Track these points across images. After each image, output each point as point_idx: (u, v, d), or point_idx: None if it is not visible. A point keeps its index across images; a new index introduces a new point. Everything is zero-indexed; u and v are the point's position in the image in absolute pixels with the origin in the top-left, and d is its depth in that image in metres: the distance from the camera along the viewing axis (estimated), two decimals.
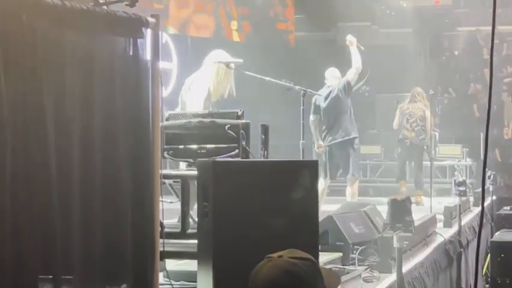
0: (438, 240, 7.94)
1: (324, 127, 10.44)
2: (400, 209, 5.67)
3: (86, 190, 4.07)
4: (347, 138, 10.34)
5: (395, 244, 5.47)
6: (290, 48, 18.23)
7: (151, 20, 4.16)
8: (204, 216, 4.58)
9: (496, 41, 18.68)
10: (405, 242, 5.63)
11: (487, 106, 3.15)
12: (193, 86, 7.39)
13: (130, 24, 4.05)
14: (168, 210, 5.79)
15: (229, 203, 4.46)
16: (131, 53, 4.09)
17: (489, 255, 9.03)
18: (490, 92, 4.09)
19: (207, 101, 7.19)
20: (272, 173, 4.60)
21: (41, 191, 3.74)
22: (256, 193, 4.50)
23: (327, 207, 9.57)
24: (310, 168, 4.70)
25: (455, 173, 13.86)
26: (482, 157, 15.08)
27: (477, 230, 10.32)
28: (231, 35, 16.94)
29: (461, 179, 8.95)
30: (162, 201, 5.23)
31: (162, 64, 14.14)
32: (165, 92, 12.46)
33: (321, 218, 5.82)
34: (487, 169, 14.45)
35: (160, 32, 13.56)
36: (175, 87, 12.79)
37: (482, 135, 15.22)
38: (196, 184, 5.19)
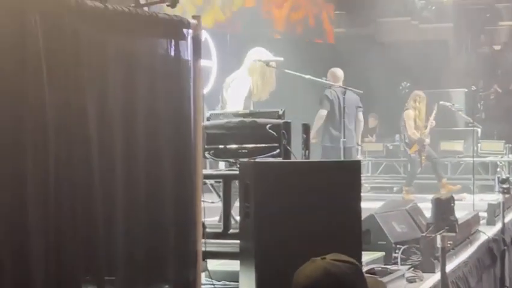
0: (482, 238, 7.84)
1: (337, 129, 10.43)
2: (444, 208, 5.60)
3: (129, 191, 4.09)
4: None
5: (439, 244, 5.41)
6: (329, 44, 18.19)
7: (192, 21, 4.16)
8: (246, 216, 4.56)
9: None
10: (448, 242, 5.56)
11: None
12: (233, 84, 7.39)
13: (171, 25, 4.06)
14: (209, 209, 5.81)
15: (270, 204, 4.43)
16: (172, 55, 4.09)
17: None
18: None
19: (247, 100, 7.19)
20: (314, 173, 4.56)
21: (84, 191, 3.76)
22: (298, 193, 4.47)
23: (371, 204, 9.54)
24: (352, 169, 4.66)
25: (498, 169, 13.71)
26: None
27: None
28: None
29: (504, 176, 8.82)
30: (204, 201, 5.24)
31: (202, 62, 14.12)
32: (205, 89, 12.49)
33: (362, 216, 5.78)
34: None
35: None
36: (214, 85, 12.81)
37: None
38: (237, 183, 5.19)
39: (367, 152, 15.02)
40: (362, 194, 4.74)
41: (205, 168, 6.39)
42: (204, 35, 14.32)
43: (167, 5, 4.61)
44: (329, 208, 4.53)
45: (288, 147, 5.45)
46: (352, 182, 4.62)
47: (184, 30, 4.12)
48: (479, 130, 13.90)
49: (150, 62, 4.01)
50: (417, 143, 12.62)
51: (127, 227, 4.10)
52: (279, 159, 5.56)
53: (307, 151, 5.62)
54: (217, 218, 6.00)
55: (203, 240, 4.84)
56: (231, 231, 5.39)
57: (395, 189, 14.31)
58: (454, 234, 5.54)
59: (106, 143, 3.88)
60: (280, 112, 5.67)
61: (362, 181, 14.29)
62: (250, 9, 15.97)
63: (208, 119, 5.84)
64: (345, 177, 4.61)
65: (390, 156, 14.86)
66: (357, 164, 4.73)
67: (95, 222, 3.85)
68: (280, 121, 5.57)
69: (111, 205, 3.97)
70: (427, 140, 12.72)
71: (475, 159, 11.61)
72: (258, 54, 7.38)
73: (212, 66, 14.14)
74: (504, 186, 8.76)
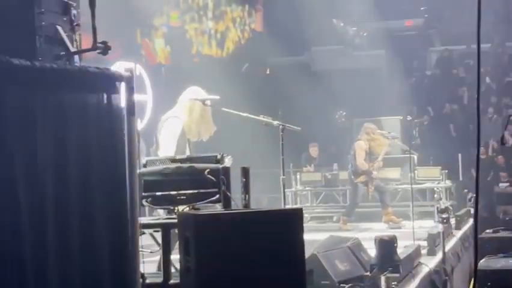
0: (424, 271, 7.82)
1: None
2: (387, 249, 5.56)
3: (63, 244, 3.97)
4: None
5: (383, 285, 5.36)
6: (264, 75, 18.20)
7: (124, 74, 4.03)
8: (186, 270, 4.43)
9: (469, 61, 18.73)
10: (393, 283, 5.53)
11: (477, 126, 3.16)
12: (166, 125, 7.21)
13: (102, 79, 3.92)
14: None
15: (212, 256, 4.30)
16: (105, 108, 3.96)
17: (473, 282, 8.95)
18: (478, 112, 4.04)
19: (181, 140, 6.99)
20: (256, 223, 4.46)
21: (14, 248, 3.62)
22: (241, 244, 4.36)
23: (311, 235, 9.50)
24: (294, 216, 4.57)
25: (435, 195, 13.80)
26: (461, 178, 15.05)
27: (461, 256, 10.26)
28: None
29: (443, 206, 8.86)
30: (142, 251, 5.08)
31: (137, 97, 13.85)
32: (141, 124, 12.27)
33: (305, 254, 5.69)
34: (466, 190, 14.47)
35: (134, 64, 13.24)
36: (151, 119, 12.63)
37: (460, 156, 15.21)
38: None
39: (306, 181, 14.97)
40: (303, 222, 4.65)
41: (145, 215, 6.24)
42: (138, 69, 14.19)
43: (99, 53, 4.47)
44: (272, 256, 4.43)
45: (228, 193, 5.34)
46: (294, 229, 4.53)
47: (117, 83, 3.99)
48: (415, 157, 13.98)
49: (81, 116, 3.88)
50: (365, 174, 12.64)
51: (61, 283, 3.95)
52: (219, 205, 5.45)
53: (247, 195, 5.51)
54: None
55: None
56: (172, 281, 5.23)
57: (334, 218, 14.27)
58: (397, 275, 5.50)
59: (36, 197, 3.74)
60: (219, 156, 5.56)
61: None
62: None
63: (144, 166, 5.68)
64: (287, 224, 4.51)
65: (329, 185, 14.82)
66: (299, 211, 4.64)
67: (29, 276, 3.70)
68: (219, 166, 5.46)
69: (45, 258, 3.84)
70: (375, 173, 12.76)
71: (412, 186, 11.64)
72: (194, 93, 7.23)
73: (147, 100, 13.93)
74: (443, 215, 8.80)
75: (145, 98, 14.65)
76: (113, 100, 3.97)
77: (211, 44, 16.22)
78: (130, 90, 4.08)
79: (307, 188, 14.96)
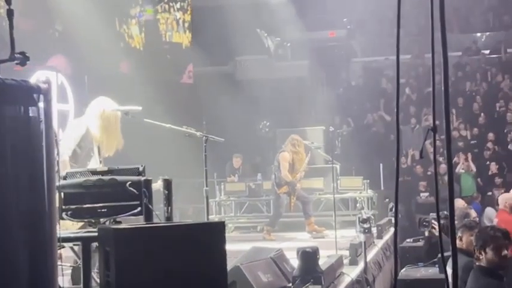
0: (346, 281, 7.89)
1: None
2: (310, 260, 5.59)
3: None
4: None
5: None
6: (187, 84, 18.14)
7: (43, 86, 3.94)
8: (107, 285, 4.35)
9: (389, 72, 19.04)
10: None
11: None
12: (67, 128, 7.02)
13: (19, 91, 3.83)
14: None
15: (133, 271, 4.25)
16: (22, 120, 3.86)
17: None
18: (397, 123, 4.09)
19: (85, 142, 6.76)
20: (178, 236, 4.43)
21: None
22: (162, 258, 4.31)
23: (235, 246, 9.50)
24: (216, 229, 4.55)
25: (358, 204, 13.99)
26: (382, 187, 15.29)
27: (382, 265, 10.40)
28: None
29: (365, 216, 8.94)
30: (62, 265, 4.98)
31: (58, 106, 13.50)
32: (62, 135, 12.09)
33: (228, 267, 5.67)
34: (387, 200, 14.69)
35: (56, 73, 12.94)
36: None
37: (381, 166, 15.46)
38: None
39: (230, 191, 14.97)
40: (225, 235, 4.63)
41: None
42: (60, 79, 13.98)
43: (17, 63, 4.37)
44: (194, 270, 4.40)
45: (150, 206, 5.28)
46: (216, 242, 4.51)
47: (35, 95, 3.90)
48: (338, 167, 14.13)
49: None
50: (288, 185, 12.66)
51: None
52: (141, 218, 5.39)
53: (169, 207, 5.46)
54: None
55: None
56: None
57: (258, 228, 14.31)
58: (319, 286, 5.53)
59: None
60: (141, 169, 5.49)
61: (226, 221, 14.24)
62: None
63: (64, 178, 5.57)
64: (208, 237, 4.49)
65: (253, 195, 14.86)
66: (221, 224, 4.62)
67: None
68: (141, 178, 5.39)
69: None
70: (298, 185, 12.80)
71: (335, 195, 11.76)
72: (103, 103, 7.02)
73: (69, 110, 13.73)
74: (365, 226, 8.87)
75: (67, 107, 14.42)
76: (30, 112, 3.88)
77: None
78: (48, 102, 3.99)
79: (231, 198, 14.96)
